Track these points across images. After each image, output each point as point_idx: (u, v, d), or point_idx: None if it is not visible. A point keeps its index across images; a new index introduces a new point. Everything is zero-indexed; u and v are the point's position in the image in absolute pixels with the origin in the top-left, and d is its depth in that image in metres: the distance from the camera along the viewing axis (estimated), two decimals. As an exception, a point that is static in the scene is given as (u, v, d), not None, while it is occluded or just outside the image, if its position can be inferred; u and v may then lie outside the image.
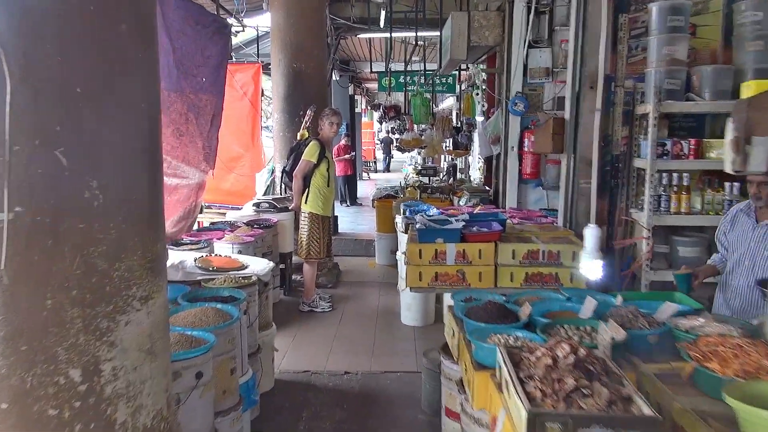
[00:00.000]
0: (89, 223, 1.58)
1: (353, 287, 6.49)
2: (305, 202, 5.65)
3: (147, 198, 1.78)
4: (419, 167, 9.20)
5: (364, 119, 25.55)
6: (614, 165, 3.93)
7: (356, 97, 18.94)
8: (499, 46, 6.34)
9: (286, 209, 5.97)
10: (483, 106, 6.41)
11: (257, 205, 5.96)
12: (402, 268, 5.39)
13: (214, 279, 3.48)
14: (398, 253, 6.00)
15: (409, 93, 8.90)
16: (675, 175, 3.57)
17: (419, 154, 15.52)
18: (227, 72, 5.98)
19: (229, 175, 6.76)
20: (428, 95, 8.78)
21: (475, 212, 5.00)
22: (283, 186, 5.83)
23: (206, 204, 6.78)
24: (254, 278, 3.55)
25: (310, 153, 5.57)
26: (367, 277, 6.94)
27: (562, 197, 4.02)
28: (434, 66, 9.84)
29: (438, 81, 10.67)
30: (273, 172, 6.46)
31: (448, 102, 16.43)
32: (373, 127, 26.26)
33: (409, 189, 7.54)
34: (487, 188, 6.70)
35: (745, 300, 2.76)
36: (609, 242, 4.00)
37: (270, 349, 3.92)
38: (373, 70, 9.63)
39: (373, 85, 21.54)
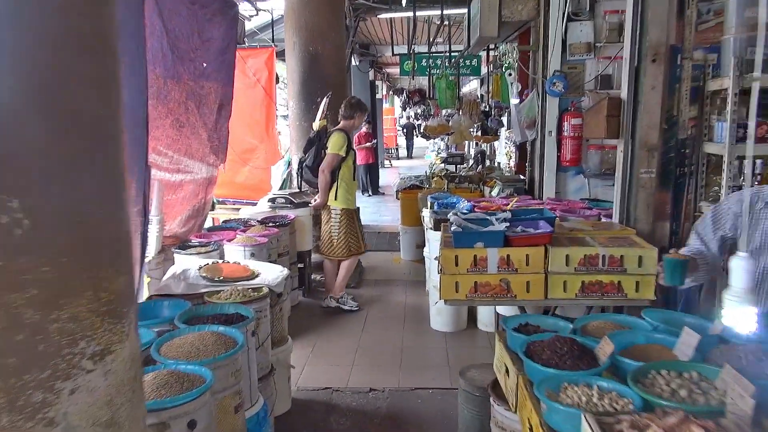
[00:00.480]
0: (9, 260, 1.12)
1: (377, 287, 6.03)
2: (335, 198, 5.23)
3: (102, 217, 1.31)
4: (444, 154, 8.65)
5: (386, 105, 24.99)
6: (680, 151, 3.37)
7: (377, 82, 18.40)
8: (533, 20, 5.76)
9: (304, 204, 5.52)
10: (516, 87, 5.86)
11: (273, 200, 5.52)
12: (431, 269, 4.91)
13: (219, 292, 3.04)
14: (425, 250, 5.52)
15: (433, 76, 8.34)
16: (759, 162, 3.01)
17: (443, 140, 14.93)
18: (237, 58, 5.53)
19: (243, 168, 6.32)
20: (454, 78, 8.21)
21: (512, 207, 4.50)
22: (301, 181, 5.34)
23: (219, 200, 6.37)
24: (265, 290, 3.10)
25: (337, 145, 5.14)
26: (392, 274, 6.48)
27: (618, 189, 3.48)
28: (460, 47, 9.26)
29: (462, 63, 10.10)
30: (289, 164, 6.01)
31: (472, 85, 15.80)
32: (395, 113, 25.70)
33: (435, 179, 7.03)
34: (521, 177, 6.15)
35: None
36: (672, 240, 3.47)
37: (285, 368, 3.48)
38: (394, 53, 9.09)
39: (395, 70, 20.94)
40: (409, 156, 24.61)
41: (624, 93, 3.40)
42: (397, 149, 23.97)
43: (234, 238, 4.37)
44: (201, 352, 2.24)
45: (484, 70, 14.73)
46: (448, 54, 8.09)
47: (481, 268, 2.84)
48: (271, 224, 5.03)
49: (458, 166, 8.37)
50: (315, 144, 5.13)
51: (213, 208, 5.82)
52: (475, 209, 4.91)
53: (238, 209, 6.36)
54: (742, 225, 2.29)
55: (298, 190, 5.71)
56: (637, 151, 3.33)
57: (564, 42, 5.38)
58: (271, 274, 3.34)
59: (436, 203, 5.27)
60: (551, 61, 5.39)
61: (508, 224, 3.02)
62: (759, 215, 2.32)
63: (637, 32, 3.28)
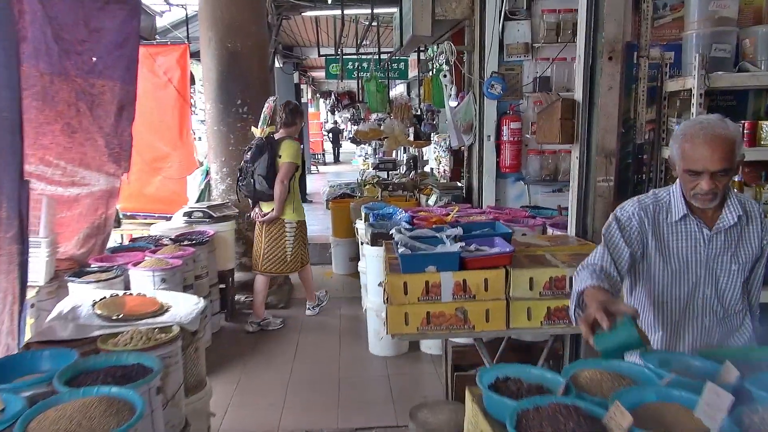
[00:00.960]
0: None
1: (309, 305, 5.54)
2: (292, 211, 4.85)
3: None
4: (376, 160, 8.25)
5: (311, 109, 24.43)
6: (638, 156, 3.13)
7: (302, 86, 17.83)
8: (468, 19, 5.48)
9: (224, 218, 4.95)
10: (452, 89, 5.56)
11: (189, 214, 4.92)
12: (369, 287, 4.48)
13: (117, 335, 2.48)
14: (360, 264, 5.09)
15: (362, 79, 7.94)
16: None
17: (370, 145, 14.56)
18: (143, 54, 4.91)
19: (153, 179, 5.66)
20: (383, 80, 7.86)
21: (454, 217, 4.16)
22: (244, 190, 4.77)
23: (126, 213, 5.68)
24: (176, 329, 2.56)
25: (293, 155, 4.74)
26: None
27: (574, 199, 3.19)
28: (390, 49, 8.92)
29: (389, 67, 9.77)
30: (207, 173, 5.41)
31: (399, 89, 15.56)
32: (320, 117, 25.15)
33: (367, 187, 6.62)
34: (458, 184, 5.85)
35: (705, 336, 1.97)
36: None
37: (204, 417, 2.95)
38: (321, 54, 8.63)
39: (320, 74, 20.43)
40: (336, 160, 24.16)
41: (578, 94, 3.12)
42: (323, 154, 23.43)
43: (141, 261, 3.77)
44: (84, 429, 1.70)
45: (411, 73, 14.55)
46: (377, 55, 7.71)
47: (433, 296, 2.44)
48: (186, 242, 4.44)
49: (390, 172, 8.00)
50: (266, 151, 4.61)
51: (118, 223, 5.14)
52: (415, 221, 4.55)
53: (150, 225, 5.70)
54: (645, 241, 1.96)
55: (217, 202, 5.13)
56: (594, 158, 3.05)
57: (501, 42, 5.12)
58: (184, 307, 2.80)
59: (371, 214, 4.86)
60: (488, 63, 5.12)
61: (461, 243, 2.64)
62: (666, 230, 1.95)
63: (592, 27, 3.00)
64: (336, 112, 8.22)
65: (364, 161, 21.16)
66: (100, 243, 4.51)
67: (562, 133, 3.09)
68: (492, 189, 5.28)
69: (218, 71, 5.12)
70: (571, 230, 3.27)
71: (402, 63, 12.12)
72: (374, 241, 4.12)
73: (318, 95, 18.20)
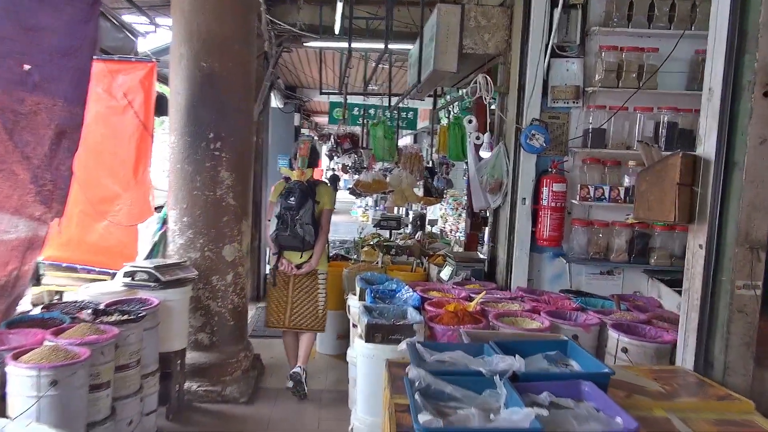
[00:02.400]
0: None
1: (280, 402, 4.28)
2: (325, 260, 4.57)
3: None
4: (373, 212, 7.09)
5: (312, 156, 23.52)
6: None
7: (303, 130, 16.95)
8: (502, 55, 4.47)
9: (178, 283, 3.79)
10: (478, 137, 4.50)
11: (131, 275, 3.75)
12: (359, 382, 3.26)
13: None
14: (349, 352, 3.88)
15: (368, 123, 6.90)
16: None
17: (372, 197, 13.47)
18: (98, 71, 3.89)
19: (98, 224, 4.52)
20: (393, 126, 6.83)
21: (478, 303, 3.03)
22: (288, 241, 4.25)
23: (62, 264, 4.52)
24: None
25: (332, 200, 4.53)
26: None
27: (695, 312, 2.03)
28: (401, 92, 7.93)
29: (399, 113, 8.78)
30: (164, 222, 4.27)
31: (405, 140, 14.62)
32: (321, 165, 24.27)
33: (366, 249, 5.47)
34: (480, 255, 4.71)
35: None
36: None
37: None
38: (322, 91, 7.61)
39: (323, 119, 19.63)
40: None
41: (705, 147, 2.01)
42: (322, 203, 22.36)
43: (29, 351, 2.59)
44: None
45: (420, 124, 13.62)
46: (387, 95, 6.72)
47: None
48: (118, 315, 3.26)
49: (393, 231, 6.87)
50: (309, 198, 4.24)
51: (38, 280, 3.98)
52: (427, 306, 3.40)
53: (92, 281, 4.54)
54: None
55: (171, 261, 3.97)
56: (730, 248, 1.91)
57: (545, 83, 4.09)
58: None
59: (368, 290, 3.70)
60: (528, 108, 4.07)
61: (511, 372, 1.47)
62: None
63: (734, 47, 1.92)
64: (334, 158, 7.14)
65: (364, 213, 20.18)
66: (9, 306, 3.36)
67: (678, 207, 1.97)
68: (524, 265, 4.15)
69: (187, 95, 4.05)
70: (683, 358, 2.10)
71: (411, 112, 11.20)
72: (370, 335, 2.94)
73: (317, 138, 17.20)
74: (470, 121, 4.55)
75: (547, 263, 4.23)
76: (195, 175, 4.11)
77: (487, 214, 4.95)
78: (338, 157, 6.28)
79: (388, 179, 5.61)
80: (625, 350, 2.96)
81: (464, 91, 4.90)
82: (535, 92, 4.05)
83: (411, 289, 3.73)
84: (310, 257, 4.30)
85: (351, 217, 20.45)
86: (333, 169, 22.79)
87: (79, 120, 3.39)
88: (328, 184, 4.57)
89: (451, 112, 6.89)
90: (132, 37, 6.35)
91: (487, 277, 4.50)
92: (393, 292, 3.77)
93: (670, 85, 3.96)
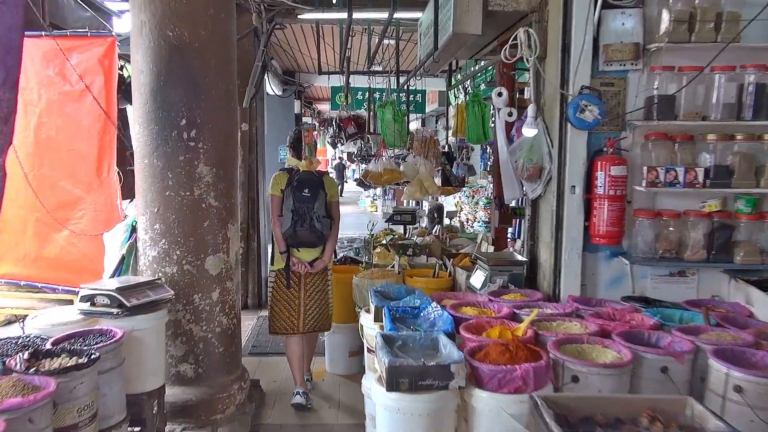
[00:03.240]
0: None
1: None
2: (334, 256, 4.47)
3: None
4: (388, 207, 6.28)
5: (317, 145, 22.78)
6: None
7: (305, 119, 16.13)
8: (536, 12, 3.67)
9: (149, 307, 3.03)
10: (508, 113, 3.70)
11: (90, 300, 3.00)
12: (377, 417, 2.51)
13: None
14: (363, 382, 3.13)
15: (374, 105, 6.06)
16: None
17: (383, 188, 12.53)
18: (49, 49, 3.14)
19: (58, 234, 3.77)
20: (403, 107, 6.03)
21: (529, 325, 2.28)
22: (306, 236, 3.89)
23: (20, 283, 3.78)
24: None
25: (337, 192, 4.14)
26: (311, 403, 4.01)
27: None
28: (409, 69, 7.11)
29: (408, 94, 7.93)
30: (134, 230, 3.51)
31: (412, 125, 13.76)
32: (327, 154, 23.52)
33: (379, 251, 4.70)
34: (518, 257, 3.92)
35: None
36: None
37: None
38: (321, 71, 6.77)
39: (326, 107, 18.78)
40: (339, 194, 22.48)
41: None
42: (327, 194, 21.61)
43: None
44: None
45: (429, 107, 12.77)
46: (394, 73, 5.91)
47: None
48: (65, 357, 2.52)
49: (408, 226, 6.09)
50: (321, 189, 3.91)
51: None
52: (462, 331, 2.66)
53: (54, 300, 3.82)
54: None
55: (141, 279, 3.21)
56: None
57: (595, 42, 3.29)
58: None
59: (386, 310, 2.95)
60: (575, 74, 3.27)
61: None
62: None
63: None
64: (338, 146, 6.24)
65: (372, 203, 19.38)
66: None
67: None
68: (576, 269, 3.37)
69: (152, 73, 3.26)
70: None
71: (419, 94, 10.36)
72: (394, 381, 2.18)
73: (318, 123, 16.25)
74: (500, 94, 3.75)
75: (604, 264, 3.44)
76: (166, 172, 3.33)
77: (522, 205, 4.17)
78: (342, 144, 5.51)
79: (401, 168, 4.83)
80: (738, 389, 2.19)
81: (482, 64, 4.10)
82: (584, 54, 3.25)
83: (439, 306, 2.96)
84: (322, 252, 3.97)
85: (359, 208, 19.68)
86: (340, 158, 21.87)
87: (10, 107, 2.62)
88: (332, 177, 4.19)
89: (468, 89, 6.09)
90: (102, 17, 5.57)
91: (528, 283, 3.72)
92: (416, 311, 3.01)
93: (758, 37, 3.15)
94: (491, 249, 4.52)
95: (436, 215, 6.41)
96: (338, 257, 4.96)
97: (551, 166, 3.48)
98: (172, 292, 3.25)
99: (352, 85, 7.38)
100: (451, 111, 6.17)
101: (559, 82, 3.34)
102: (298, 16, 5.72)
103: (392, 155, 5.06)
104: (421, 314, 2.99)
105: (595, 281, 3.45)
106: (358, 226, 13.94)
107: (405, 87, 5.91)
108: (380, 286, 3.45)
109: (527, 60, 3.31)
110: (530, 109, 3.32)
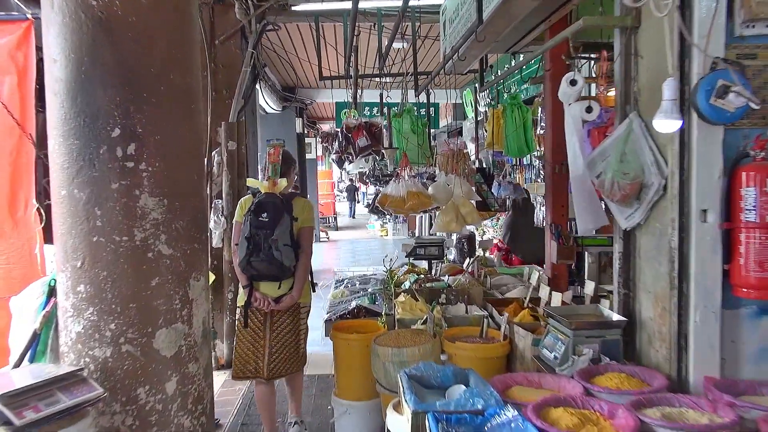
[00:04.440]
0: None
1: None
2: (307, 291, 3.63)
3: None
4: (411, 239, 5.11)
5: (321, 167, 21.83)
6: None
7: (309, 140, 15.13)
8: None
9: (58, 419, 1.91)
10: (587, 109, 2.61)
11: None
12: None
13: None
14: None
15: (389, 114, 4.97)
16: None
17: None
18: None
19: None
20: (424, 117, 4.95)
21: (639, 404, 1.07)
22: (263, 268, 3.38)
23: None
24: None
25: (312, 217, 3.62)
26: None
27: None
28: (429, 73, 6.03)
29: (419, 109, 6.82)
30: (52, 292, 2.40)
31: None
32: (332, 177, 22.51)
33: (403, 299, 3.56)
34: (607, 313, 2.77)
35: None
36: None
37: None
38: (323, 76, 5.66)
39: (331, 126, 17.81)
40: (352, 216, 22.12)
41: None
42: (335, 218, 20.56)
43: None
44: None
45: (442, 122, 11.69)
46: (411, 75, 4.82)
47: None
48: None
49: (434, 261, 4.96)
50: (284, 213, 3.39)
51: None
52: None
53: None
54: None
55: (52, 376, 2.09)
56: None
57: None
58: None
59: (431, 417, 1.82)
60: (708, 39, 2.16)
61: None
62: None
63: None
64: (345, 163, 5.10)
65: (382, 227, 18.27)
66: None
67: None
68: (713, 335, 2.23)
69: (71, 64, 2.19)
70: None
71: (431, 108, 9.34)
72: None
73: (318, 137, 15.01)
74: (573, 83, 2.64)
75: (748, 326, 2.29)
76: (92, 207, 2.23)
77: (612, 239, 3.04)
78: (350, 162, 4.46)
79: (429, 190, 3.71)
80: None
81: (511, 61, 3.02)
82: (718, 11, 2.14)
83: (516, 413, 1.83)
84: (291, 288, 3.45)
85: (368, 233, 18.56)
86: (351, 180, 20.67)
87: None
88: (307, 200, 3.69)
89: (503, 93, 5.01)
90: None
91: (627, 352, 2.57)
92: (480, 420, 1.86)
93: None
94: (547, 292, 3.36)
95: (466, 246, 5.27)
96: (346, 310, 3.83)
97: (659, 181, 2.35)
98: (101, 390, 2.12)
99: (360, 100, 6.27)
100: (469, 119, 5.06)
101: (672, 58, 2.23)
102: (293, 8, 4.67)
103: (413, 174, 3.93)
104: (489, 425, 1.85)
105: (736, 352, 2.29)
106: (371, 257, 12.82)
107: (426, 90, 4.83)
108: (415, 368, 2.31)
109: (657, 7, 2.15)
110: (668, 87, 2.15)
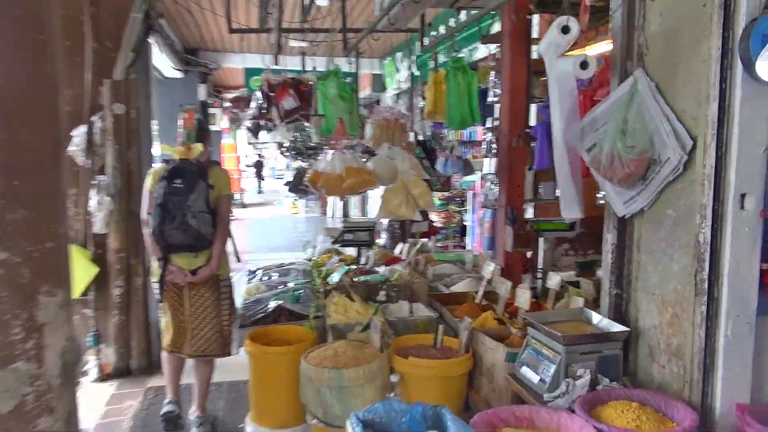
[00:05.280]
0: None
1: None
2: (225, 263, 3.38)
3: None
4: (336, 225, 4.36)
5: (227, 140, 20.51)
6: None
7: (213, 111, 13.90)
8: None
9: None
10: (580, 65, 2.06)
11: None
12: None
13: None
14: None
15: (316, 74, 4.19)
16: None
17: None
18: None
19: None
20: (352, 82, 4.28)
21: None
22: (177, 237, 3.15)
23: None
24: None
25: (229, 185, 3.37)
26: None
27: None
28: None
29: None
30: None
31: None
32: (237, 151, 21.19)
33: (337, 300, 2.91)
34: (613, 326, 2.24)
35: None
36: None
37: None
38: (233, 29, 4.68)
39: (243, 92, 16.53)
40: (260, 191, 21.27)
41: None
42: (242, 195, 19.39)
43: None
44: None
45: (362, 93, 10.94)
46: (340, 31, 4.07)
47: None
48: None
49: (362, 247, 4.34)
50: (200, 180, 3.17)
51: None
52: None
53: None
54: None
55: None
56: None
57: None
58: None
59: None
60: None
61: None
62: None
63: None
64: (258, 132, 4.29)
65: (293, 204, 17.35)
66: None
67: None
68: (746, 351, 1.76)
69: None
70: None
71: (349, 77, 8.64)
72: None
73: (218, 97, 13.36)
74: (566, 30, 2.07)
75: (780, 338, 1.86)
76: None
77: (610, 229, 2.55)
78: (268, 130, 3.71)
79: (369, 166, 3.04)
80: None
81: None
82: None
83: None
84: (209, 259, 3.25)
85: (277, 210, 17.63)
86: (258, 155, 19.31)
87: None
88: (222, 168, 3.57)
89: (451, 49, 4.43)
90: None
91: (628, 369, 2.08)
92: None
93: None
94: (506, 287, 2.83)
95: (397, 229, 4.69)
96: (265, 312, 3.13)
97: (679, 156, 1.85)
98: None
99: (277, 67, 5.32)
100: (390, 89, 4.45)
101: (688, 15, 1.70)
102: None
103: (353, 144, 3.24)
104: None
105: (763, 369, 1.85)
106: (284, 237, 11.96)
107: (356, 50, 4.11)
108: (369, 410, 1.69)
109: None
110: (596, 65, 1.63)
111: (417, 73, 4.71)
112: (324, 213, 16.04)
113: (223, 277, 3.37)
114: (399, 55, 8.86)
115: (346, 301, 2.91)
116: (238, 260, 3.57)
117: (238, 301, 3.58)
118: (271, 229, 13.53)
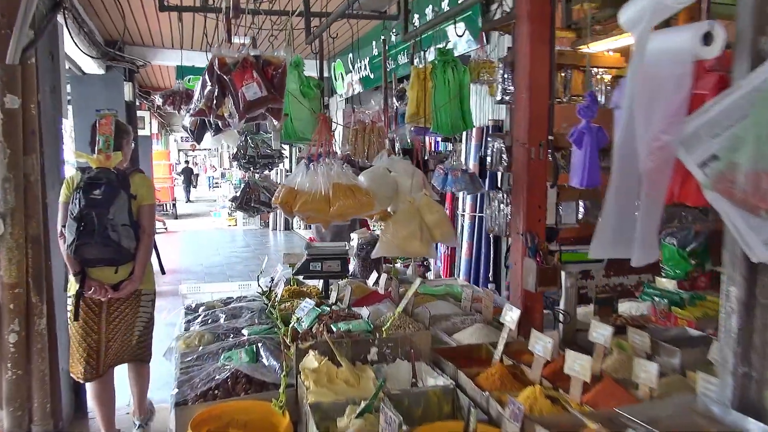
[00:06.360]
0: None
1: None
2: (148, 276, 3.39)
3: None
4: (303, 252, 3.44)
5: (158, 146, 19.17)
6: None
7: (142, 114, 12.69)
8: None
9: None
10: (699, 38, 1.41)
11: None
12: None
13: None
14: None
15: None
16: None
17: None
18: None
19: None
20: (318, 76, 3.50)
21: None
22: (95, 252, 3.08)
23: None
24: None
25: (152, 194, 3.35)
26: None
27: None
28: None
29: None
30: None
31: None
32: (170, 158, 19.86)
33: (317, 362, 2.11)
34: (754, 428, 1.56)
35: None
36: None
37: None
38: (166, 5, 3.78)
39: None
40: (188, 201, 21.59)
41: None
42: (174, 204, 18.07)
43: None
44: None
45: (340, 90, 9.98)
46: (300, 14, 3.29)
47: None
48: None
49: (325, 272, 3.56)
50: (121, 190, 3.13)
51: None
52: None
53: None
54: None
55: None
56: None
57: None
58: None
59: None
60: None
61: None
62: None
63: None
64: (208, 134, 3.48)
65: (230, 215, 16.23)
66: None
67: None
68: None
69: None
70: None
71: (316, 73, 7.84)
72: None
73: (140, 94, 11.69)
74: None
75: None
76: None
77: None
78: (215, 131, 2.91)
79: (361, 179, 2.25)
80: None
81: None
82: None
83: None
84: (131, 273, 3.17)
85: (213, 222, 16.45)
86: (186, 162, 17.91)
87: None
88: (144, 175, 3.38)
89: (421, 49, 3.75)
90: None
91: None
92: None
93: None
94: (546, 347, 2.13)
95: (366, 253, 3.92)
96: (223, 376, 2.28)
97: None
98: None
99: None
100: (339, 94, 3.72)
101: None
102: None
103: (322, 154, 2.42)
104: None
105: None
106: (221, 254, 10.82)
107: (320, 39, 3.32)
108: None
109: None
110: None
111: (391, 65, 3.99)
112: (266, 225, 15.02)
113: (146, 291, 3.34)
114: (350, 56, 8.12)
115: (330, 368, 2.12)
116: (163, 272, 3.49)
117: (176, 358, 2.72)
118: (207, 243, 12.44)
